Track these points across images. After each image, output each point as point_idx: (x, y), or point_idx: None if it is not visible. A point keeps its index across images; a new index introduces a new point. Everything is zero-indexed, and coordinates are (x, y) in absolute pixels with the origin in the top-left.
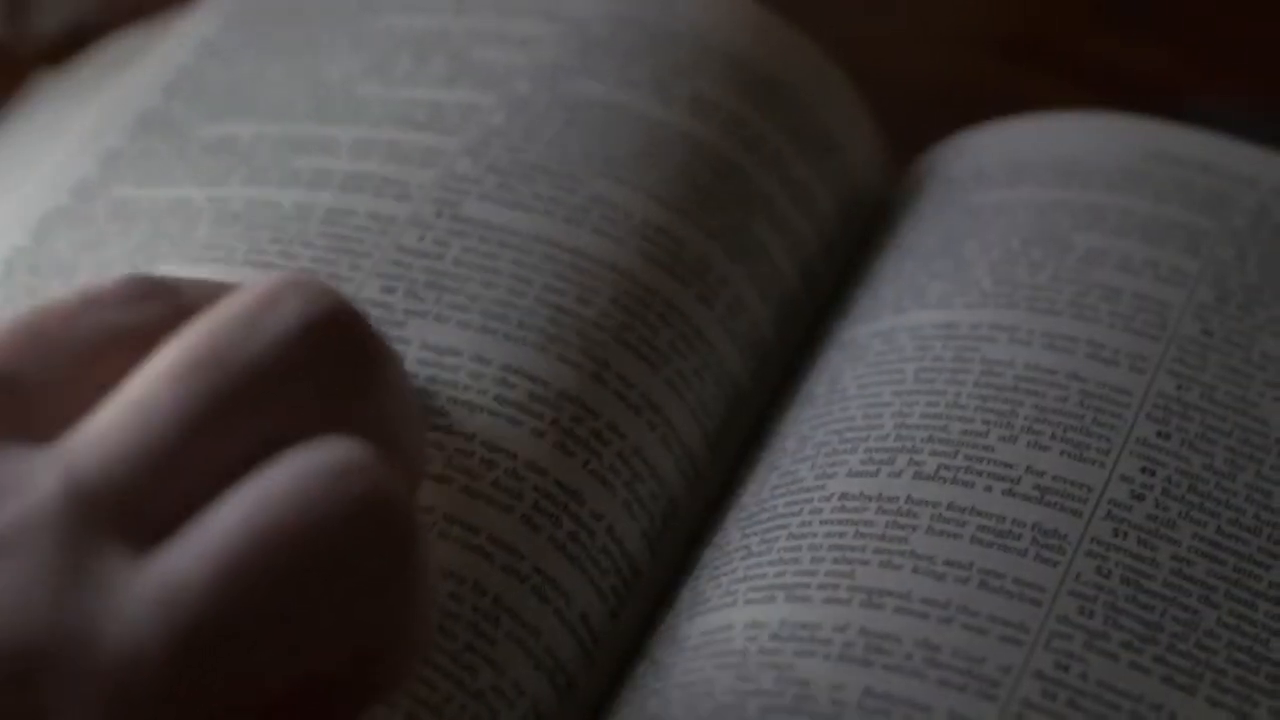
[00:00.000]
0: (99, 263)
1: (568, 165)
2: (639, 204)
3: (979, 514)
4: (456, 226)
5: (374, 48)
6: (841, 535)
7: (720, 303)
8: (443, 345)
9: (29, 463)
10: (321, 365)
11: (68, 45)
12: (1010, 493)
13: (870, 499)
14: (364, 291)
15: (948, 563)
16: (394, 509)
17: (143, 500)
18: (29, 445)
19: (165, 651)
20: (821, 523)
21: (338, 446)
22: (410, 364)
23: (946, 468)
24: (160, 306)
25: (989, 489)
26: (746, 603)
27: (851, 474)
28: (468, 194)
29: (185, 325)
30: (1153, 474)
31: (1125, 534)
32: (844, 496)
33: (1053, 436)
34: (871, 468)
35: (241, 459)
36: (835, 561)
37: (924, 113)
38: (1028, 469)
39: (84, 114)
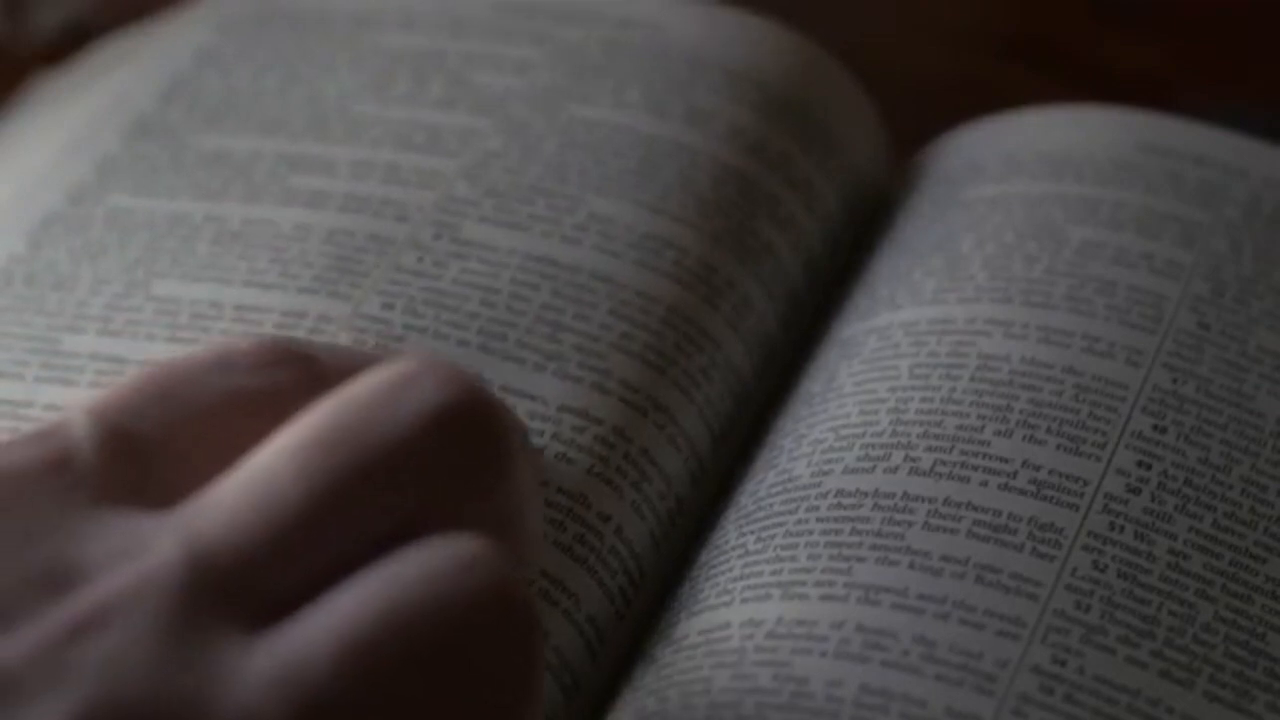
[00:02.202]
0: (96, 275)
1: (565, 185)
2: (638, 217)
3: (975, 509)
4: (455, 248)
5: (371, 66)
6: (838, 532)
7: (726, 304)
8: None
9: (150, 527)
10: (451, 452)
11: (66, 45)
12: (1006, 487)
13: (866, 495)
14: (363, 308)
15: (944, 558)
16: (517, 603)
17: (262, 577)
18: (148, 508)
19: None
20: (818, 520)
21: (465, 539)
22: None
23: (942, 463)
24: (294, 373)
25: (985, 484)
26: (743, 601)
27: (848, 471)
28: (466, 216)
29: (318, 397)
30: (1149, 468)
31: (1122, 528)
32: (840, 493)
33: (1048, 431)
34: (868, 464)
35: (364, 541)
36: (832, 558)
37: (924, 111)
38: (1024, 463)
39: (75, 114)
